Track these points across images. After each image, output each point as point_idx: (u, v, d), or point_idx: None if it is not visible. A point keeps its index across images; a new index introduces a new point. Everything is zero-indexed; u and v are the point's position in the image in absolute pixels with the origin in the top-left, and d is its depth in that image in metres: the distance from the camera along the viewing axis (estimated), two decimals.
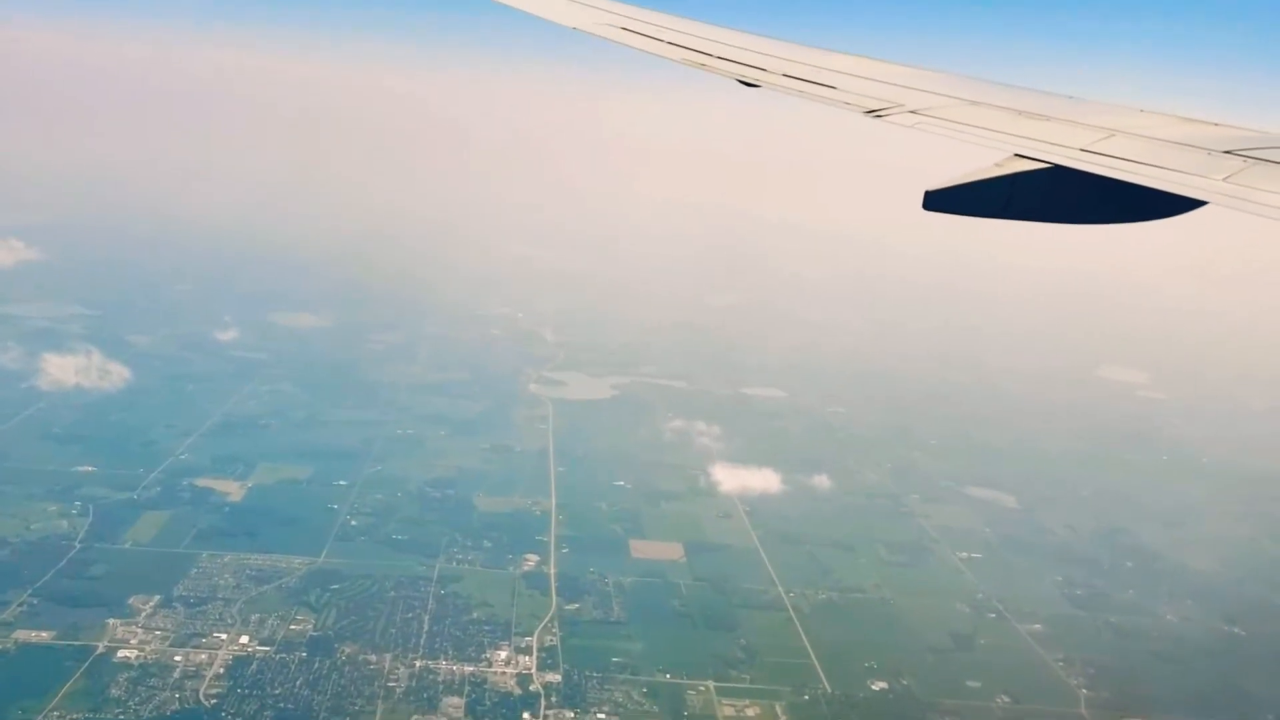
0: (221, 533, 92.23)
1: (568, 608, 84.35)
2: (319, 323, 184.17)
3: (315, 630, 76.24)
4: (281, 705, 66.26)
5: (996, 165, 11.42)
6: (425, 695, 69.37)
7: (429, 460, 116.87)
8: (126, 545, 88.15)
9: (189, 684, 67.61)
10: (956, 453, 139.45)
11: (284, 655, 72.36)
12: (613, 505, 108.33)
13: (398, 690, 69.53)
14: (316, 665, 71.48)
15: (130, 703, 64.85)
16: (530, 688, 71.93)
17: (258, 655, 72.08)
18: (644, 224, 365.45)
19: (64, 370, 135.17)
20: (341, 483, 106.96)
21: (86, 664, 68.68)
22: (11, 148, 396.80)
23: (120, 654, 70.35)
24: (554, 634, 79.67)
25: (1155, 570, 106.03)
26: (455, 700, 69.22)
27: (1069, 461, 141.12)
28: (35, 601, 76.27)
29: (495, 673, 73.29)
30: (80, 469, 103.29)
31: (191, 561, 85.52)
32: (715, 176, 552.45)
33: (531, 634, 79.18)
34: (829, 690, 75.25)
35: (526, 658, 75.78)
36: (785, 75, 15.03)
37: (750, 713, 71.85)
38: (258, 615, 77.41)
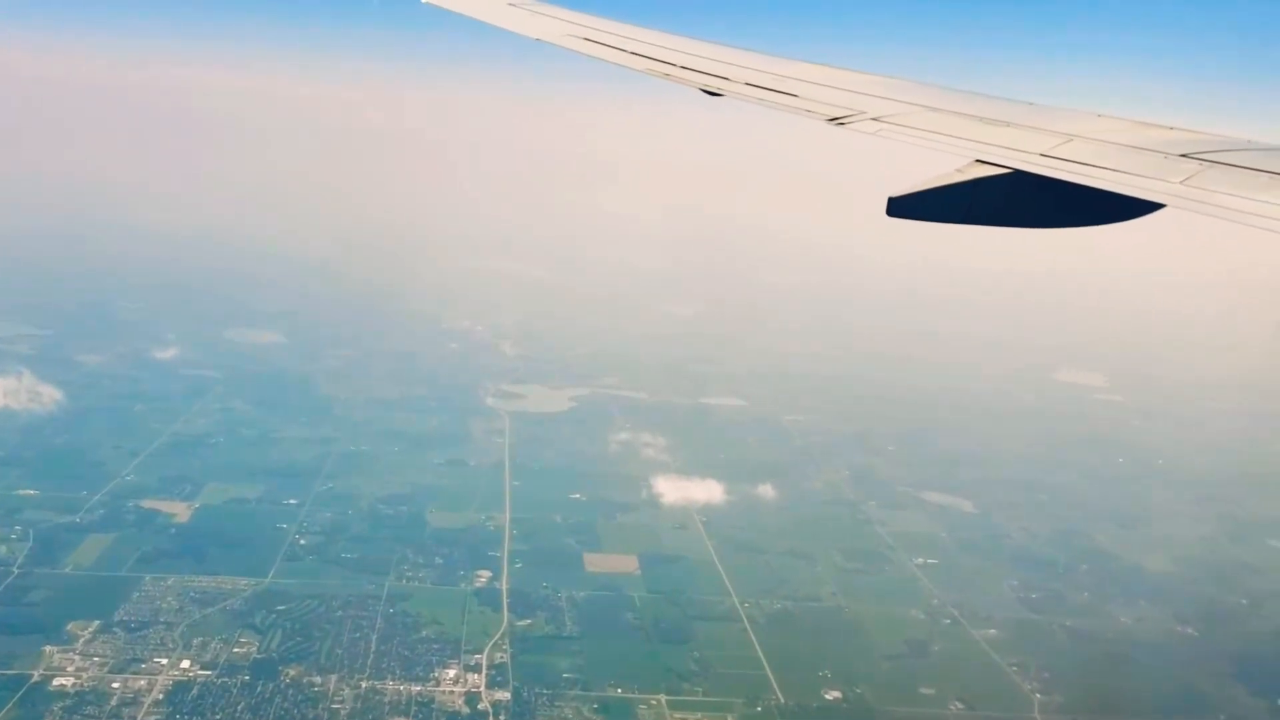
0: (166, 555, 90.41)
1: (519, 624, 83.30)
2: (275, 339, 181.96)
3: (259, 653, 74.69)
4: None
5: (958, 171, 11.59)
6: (370, 717, 68.13)
7: (382, 476, 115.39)
8: (67, 570, 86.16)
9: (126, 711, 66.05)
10: (915, 459, 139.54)
11: (226, 679, 70.80)
12: (568, 518, 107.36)
13: (342, 712, 68.22)
14: (259, 689, 70.01)
15: None
16: (479, 706, 70.91)
17: (199, 680, 70.52)
18: (610, 235, 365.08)
19: (7, 392, 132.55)
20: (291, 501, 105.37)
21: (20, 693, 66.74)
22: None
23: (56, 682, 68.55)
24: (504, 651, 78.60)
25: (1110, 572, 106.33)
26: None
27: (1027, 465, 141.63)
28: None
29: (443, 692, 72.19)
30: (21, 493, 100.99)
31: (134, 585, 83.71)
32: (681, 186, 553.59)
33: (481, 651, 78.09)
34: (782, 700, 74.65)
35: (476, 675, 74.71)
36: (748, 84, 15.14)
37: None
38: (200, 639, 75.77)
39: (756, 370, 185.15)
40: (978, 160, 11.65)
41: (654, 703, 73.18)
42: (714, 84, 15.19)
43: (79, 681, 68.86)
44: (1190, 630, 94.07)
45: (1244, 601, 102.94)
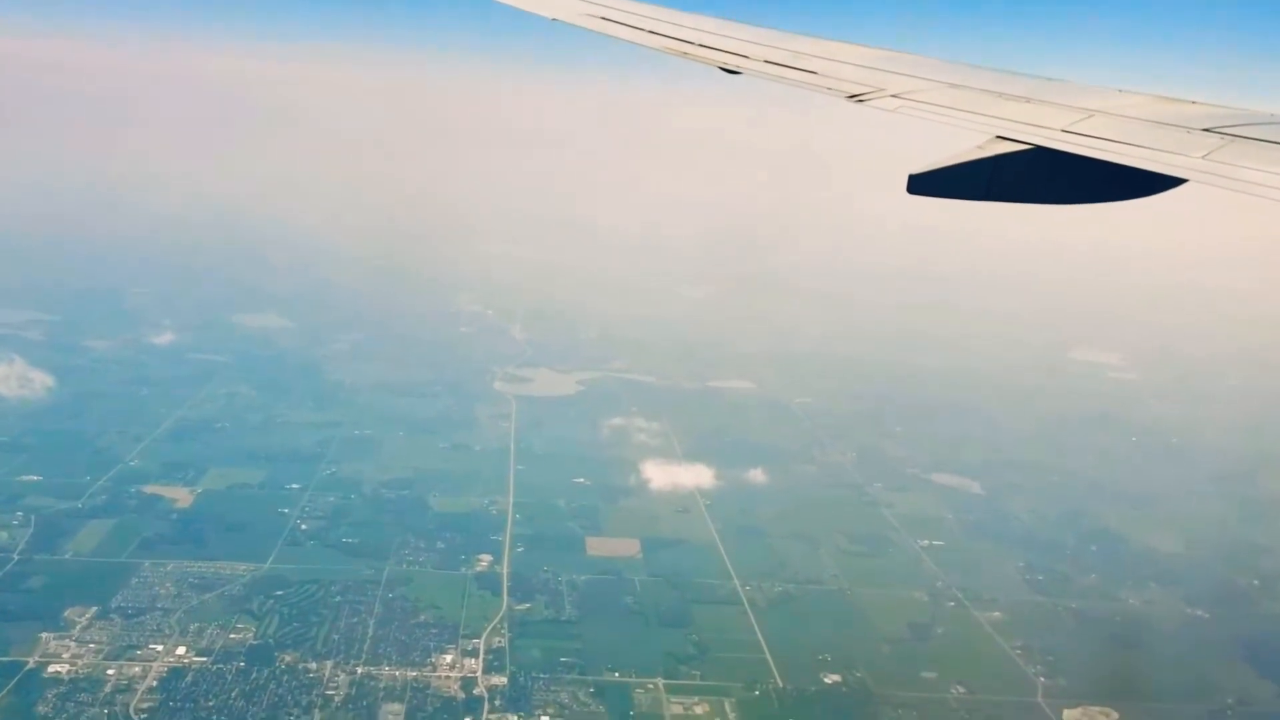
0: (167, 540, 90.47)
1: (518, 608, 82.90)
2: (283, 323, 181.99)
3: (255, 639, 74.63)
4: (214, 718, 64.61)
5: (979, 147, 11.55)
6: (364, 703, 67.93)
7: (385, 461, 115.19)
8: (67, 556, 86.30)
9: (120, 698, 65.98)
10: (923, 440, 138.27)
11: (221, 666, 70.74)
12: (571, 503, 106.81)
13: (336, 699, 68.04)
14: (254, 675, 69.90)
15: (57, 719, 63.13)
16: (474, 691, 70.54)
17: (194, 666, 70.45)
18: (623, 218, 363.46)
19: (13, 377, 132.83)
20: (294, 486, 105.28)
21: (15, 680, 66.88)
22: None
23: (51, 669, 68.65)
24: (503, 635, 78.25)
25: (1119, 554, 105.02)
26: (395, 707, 67.80)
27: (1037, 446, 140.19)
28: None
29: (439, 677, 71.86)
30: (24, 479, 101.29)
31: (133, 571, 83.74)
32: (697, 167, 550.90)
33: (480, 636, 77.76)
34: (780, 685, 74.00)
35: (473, 660, 74.37)
36: (767, 61, 15.08)
37: (699, 710, 70.60)
38: (197, 625, 75.72)
39: (767, 352, 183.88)
40: (999, 137, 11.59)
41: (651, 687, 72.66)
42: (733, 62, 15.12)
43: (74, 668, 68.88)
44: (1200, 612, 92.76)
45: (1255, 583, 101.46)
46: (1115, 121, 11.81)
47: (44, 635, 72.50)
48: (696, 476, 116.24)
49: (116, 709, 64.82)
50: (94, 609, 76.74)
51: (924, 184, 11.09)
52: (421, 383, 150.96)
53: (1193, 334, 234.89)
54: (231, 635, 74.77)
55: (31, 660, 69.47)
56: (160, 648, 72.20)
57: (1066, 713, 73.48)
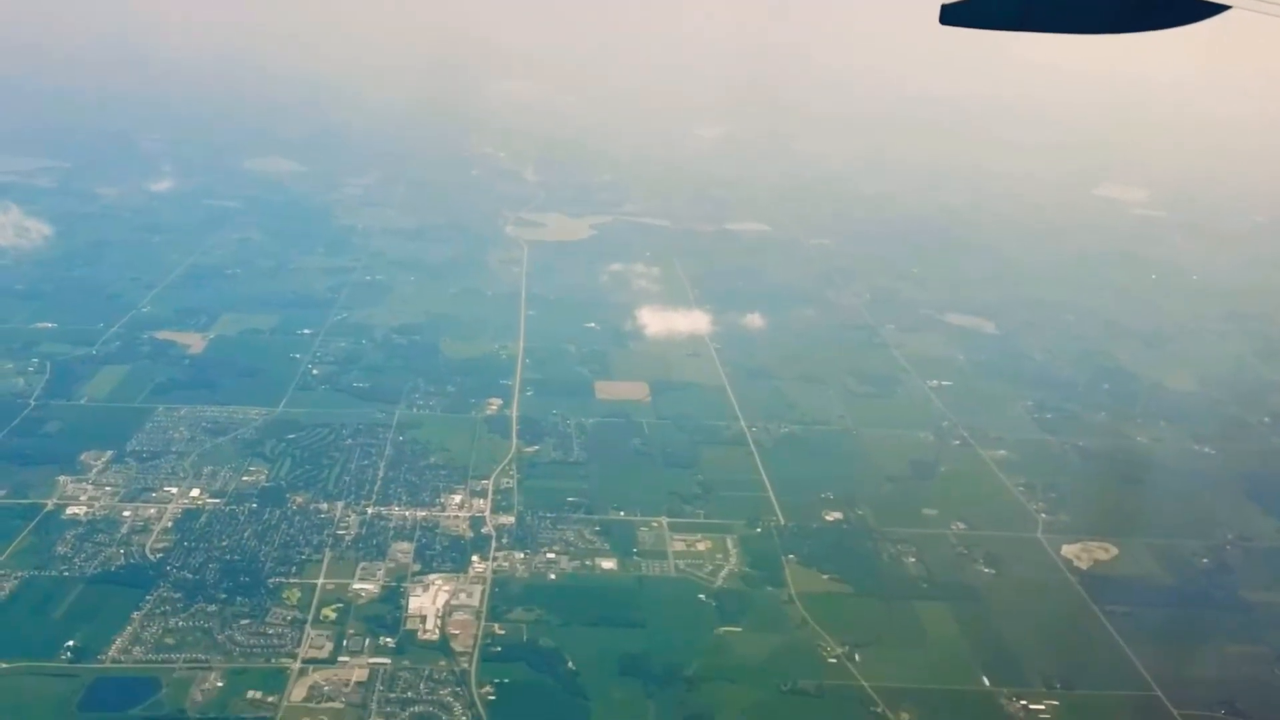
0: (180, 385, 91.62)
1: (527, 450, 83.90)
2: (295, 167, 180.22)
3: (268, 481, 76.07)
4: (228, 557, 66.35)
5: None
6: (374, 542, 69.35)
7: (397, 306, 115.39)
8: (83, 401, 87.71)
9: (136, 539, 67.72)
10: (939, 281, 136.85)
11: (234, 507, 72.27)
12: (581, 347, 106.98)
13: (346, 538, 69.51)
14: (266, 516, 71.44)
15: (75, 559, 64.98)
16: (483, 530, 71.82)
17: (208, 508, 72.04)
18: (638, 58, 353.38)
19: (26, 226, 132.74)
20: (305, 331, 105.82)
21: (35, 522, 68.72)
22: None
23: (69, 510, 70.42)
24: (511, 476, 79.37)
25: (1130, 392, 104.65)
26: (404, 545, 69.22)
27: (1054, 285, 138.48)
28: None
29: (448, 517, 73.21)
30: (39, 326, 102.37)
31: (147, 416, 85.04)
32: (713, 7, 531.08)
33: (488, 477, 78.86)
34: (782, 522, 74.97)
35: (481, 500, 75.61)
36: None
37: (701, 547, 71.75)
38: (210, 468, 77.18)
39: (782, 194, 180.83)
40: None
41: (655, 525, 73.81)
42: None
43: (91, 510, 70.64)
44: (1207, 449, 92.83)
45: (1266, 420, 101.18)
46: None
47: (61, 478, 74.19)
48: (707, 320, 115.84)
49: (133, 549, 66.56)
50: (110, 453, 78.24)
51: (958, 14, 10.79)
52: (432, 227, 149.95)
53: (1225, 170, 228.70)
54: (244, 478, 76.25)
55: (50, 503, 71.26)
56: (175, 490, 73.83)
57: (1065, 548, 74.25)
